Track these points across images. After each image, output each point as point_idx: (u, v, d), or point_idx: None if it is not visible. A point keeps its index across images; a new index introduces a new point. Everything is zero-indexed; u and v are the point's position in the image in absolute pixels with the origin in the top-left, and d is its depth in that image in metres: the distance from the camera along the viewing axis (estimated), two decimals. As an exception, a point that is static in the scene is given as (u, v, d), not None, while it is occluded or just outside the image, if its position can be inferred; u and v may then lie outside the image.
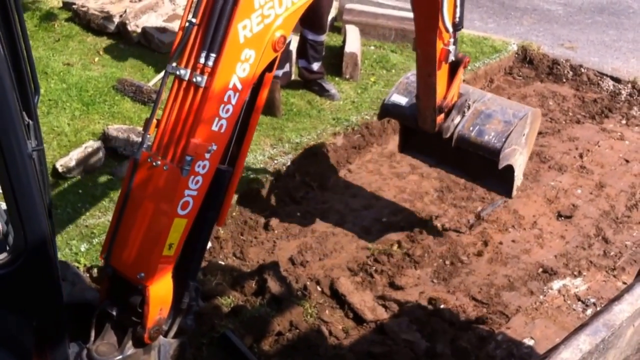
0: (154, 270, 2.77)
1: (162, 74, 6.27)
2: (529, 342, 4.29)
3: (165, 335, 3.03)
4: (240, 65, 2.66)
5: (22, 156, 2.07)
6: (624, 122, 6.64)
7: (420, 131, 4.62)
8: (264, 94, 2.92)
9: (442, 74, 4.16)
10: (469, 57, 4.33)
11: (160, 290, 2.85)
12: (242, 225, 5.06)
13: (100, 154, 5.29)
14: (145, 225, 2.74)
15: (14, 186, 2.08)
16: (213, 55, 2.60)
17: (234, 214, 5.11)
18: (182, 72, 2.66)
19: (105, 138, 5.41)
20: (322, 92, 6.45)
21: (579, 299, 4.64)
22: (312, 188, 5.55)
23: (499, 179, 4.69)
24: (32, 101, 2.54)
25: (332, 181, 5.68)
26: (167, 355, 3.04)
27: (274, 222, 5.12)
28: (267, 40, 2.70)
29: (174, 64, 2.69)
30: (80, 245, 4.53)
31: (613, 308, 2.31)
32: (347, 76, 6.73)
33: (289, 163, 5.57)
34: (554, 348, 2.15)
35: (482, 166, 4.63)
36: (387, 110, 4.79)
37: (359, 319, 4.37)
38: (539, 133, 6.35)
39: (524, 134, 4.57)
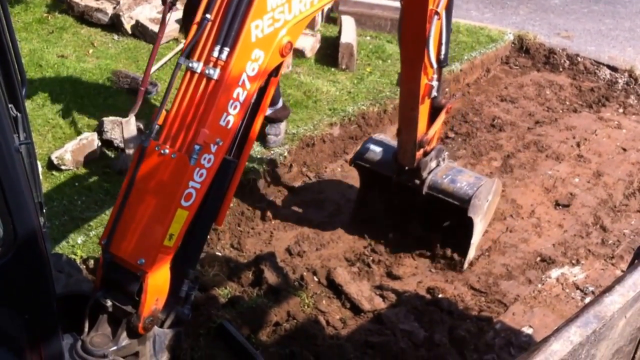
0: (155, 258, 2.78)
1: (157, 65, 6.25)
2: (527, 330, 4.29)
3: (161, 325, 3.02)
4: (250, 64, 2.77)
5: (9, 150, 2.04)
6: (621, 110, 6.61)
7: (383, 182, 4.78)
8: (268, 96, 3.03)
9: (424, 109, 4.33)
10: (452, 104, 4.59)
11: (158, 280, 2.85)
12: (239, 216, 5.04)
13: (95, 146, 5.27)
14: (148, 212, 2.77)
15: (2, 180, 2.04)
16: (227, 49, 2.69)
17: (231, 205, 5.08)
18: (195, 65, 2.75)
19: (100, 130, 5.39)
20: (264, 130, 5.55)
21: (577, 287, 4.63)
22: (309, 178, 5.53)
23: (453, 249, 4.79)
24: (19, 93, 2.50)
25: (328, 172, 5.66)
26: (163, 345, 3.02)
27: (271, 212, 5.10)
28: (276, 44, 2.84)
29: (187, 58, 2.77)
30: (76, 238, 4.51)
31: (604, 299, 2.30)
32: (343, 66, 6.71)
33: (285, 153, 5.55)
34: (545, 340, 2.14)
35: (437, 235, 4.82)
36: (360, 155, 4.89)
37: (356, 309, 4.36)
38: (537, 122, 6.35)
39: (487, 199, 4.72)
